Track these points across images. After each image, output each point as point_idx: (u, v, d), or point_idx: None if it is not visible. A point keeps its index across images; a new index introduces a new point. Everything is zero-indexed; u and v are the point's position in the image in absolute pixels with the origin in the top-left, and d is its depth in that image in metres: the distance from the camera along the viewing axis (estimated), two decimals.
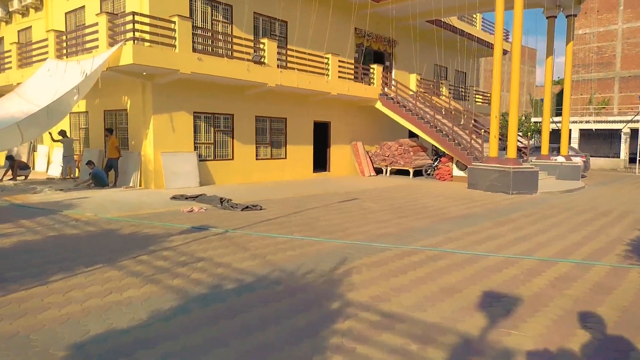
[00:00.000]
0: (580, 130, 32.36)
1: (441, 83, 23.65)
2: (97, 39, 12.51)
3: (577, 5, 17.69)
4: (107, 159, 13.63)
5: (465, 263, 6.05)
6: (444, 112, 18.26)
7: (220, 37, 13.98)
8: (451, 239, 7.49)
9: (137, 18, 11.66)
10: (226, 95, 14.76)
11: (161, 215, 9.12)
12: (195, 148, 14.06)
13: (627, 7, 36.80)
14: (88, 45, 13.08)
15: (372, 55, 20.73)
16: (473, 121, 18.32)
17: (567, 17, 18.05)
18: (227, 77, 13.45)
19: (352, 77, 18.05)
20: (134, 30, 11.54)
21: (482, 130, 16.83)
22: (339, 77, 17.27)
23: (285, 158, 17.00)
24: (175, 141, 13.49)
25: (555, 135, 23.99)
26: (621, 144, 30.17)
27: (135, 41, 11.51)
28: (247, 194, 12.53)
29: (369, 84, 18.89)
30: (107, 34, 12.12)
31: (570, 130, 30.16)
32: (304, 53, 15.97)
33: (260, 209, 9.91)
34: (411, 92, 19.43)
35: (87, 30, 13.19)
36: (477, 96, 27.53)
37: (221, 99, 14.64)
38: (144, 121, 13.16)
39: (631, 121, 29.14)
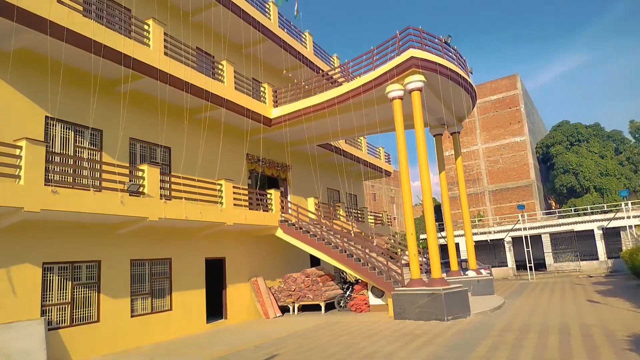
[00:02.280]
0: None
1: (337, 206, 22.76)
2: None
3: (459, 123, 18.62)
4: None
5: None
6: (352, 235, 16.77)
7: (85, 164, 11.14)
8: None
9: None
10: (91, 238, 11.44)
11: None
12: (43, 313, 10.10)
13: (483, 130, 42.26)
14: None
15: (266, 181, 19.20)
16: (381, 242, 17.06)
17: (451, 134, 18.83)
18: (94, 213, 10.37)
19: (248, 205, 15.98)
20: None
21: (399, 250, 15.50)
22: (234, 205, 15.08)
23: (171, 309, 13.44)
24: (12, 307, 9.52)
25: (443, 249, 24.10)
26: (506, 253, 31.61)
27: None
28: None
29: (267, 211, 16.94)
30: None
31: (457, 244, 31.03)
32: (193, 180, 13.67)
33: None
34: (313, 216, 17.85)
35: None
36: (369, 217, 27.17)
37: (84, 242, 11.26)
38: None
39: (512, 230, 31.03)
